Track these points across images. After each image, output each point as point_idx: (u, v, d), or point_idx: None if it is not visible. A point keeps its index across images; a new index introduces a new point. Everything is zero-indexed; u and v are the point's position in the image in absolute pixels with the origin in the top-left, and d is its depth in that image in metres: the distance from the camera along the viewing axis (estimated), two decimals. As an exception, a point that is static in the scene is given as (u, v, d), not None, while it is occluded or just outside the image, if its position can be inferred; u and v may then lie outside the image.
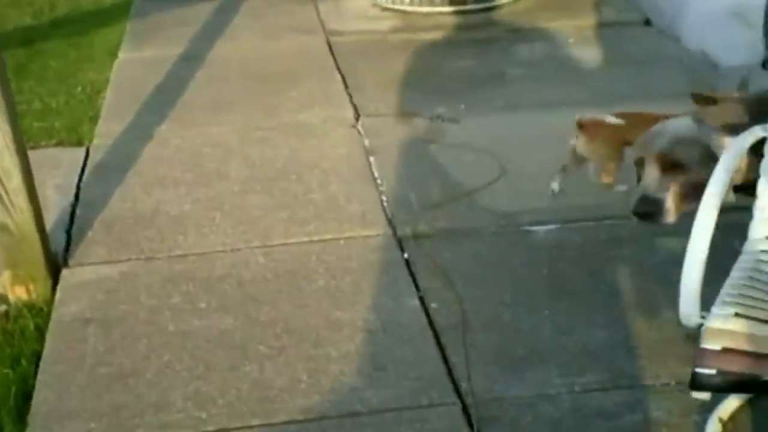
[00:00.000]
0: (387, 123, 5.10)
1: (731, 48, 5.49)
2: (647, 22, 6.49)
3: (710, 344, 2.18)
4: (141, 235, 4.08)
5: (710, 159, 2.76)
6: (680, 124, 2.96)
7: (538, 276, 3.65)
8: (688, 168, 2.89)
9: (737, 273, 2.44)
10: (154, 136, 5.04)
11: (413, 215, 4.13)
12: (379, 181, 4.43)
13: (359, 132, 4.98)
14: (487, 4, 6.81)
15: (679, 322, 3.23)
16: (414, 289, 3.62)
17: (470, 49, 6.21)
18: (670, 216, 2.94)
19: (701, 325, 2.27)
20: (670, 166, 2.90)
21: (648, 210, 2.92)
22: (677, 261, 3.68)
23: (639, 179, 3.06)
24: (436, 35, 6.46)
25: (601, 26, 6.48)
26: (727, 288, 2.36)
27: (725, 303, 2.28)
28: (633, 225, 3.87)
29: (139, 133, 5.08)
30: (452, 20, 6.71)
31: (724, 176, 2.48)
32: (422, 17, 6.75)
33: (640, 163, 2.96)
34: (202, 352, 3.31)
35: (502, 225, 4.04)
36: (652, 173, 2.94)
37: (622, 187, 3.79)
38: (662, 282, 3.49)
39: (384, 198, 4.28)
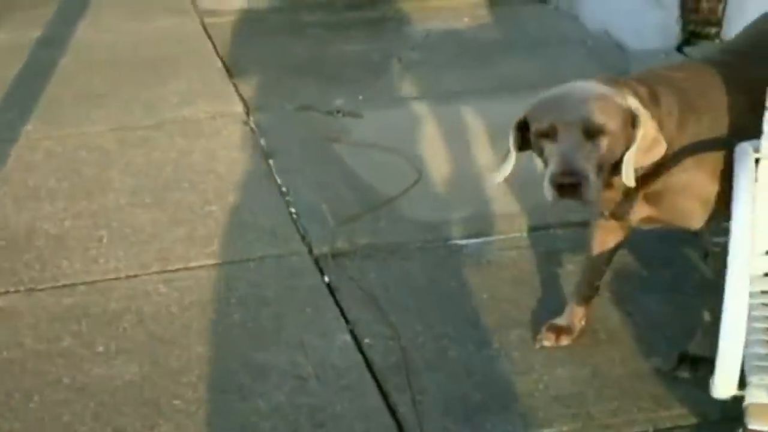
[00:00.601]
0: (282, 118, 4.64)
1: (639, 30, 5.21)
2: (543, 0, 6.17)
3: (758, 425, 1.84)
4: (17, 260, 3.54)
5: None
6: (590, 86, 2.59)
7: (480, 302, 3.27)
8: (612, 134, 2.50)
9: (758, 327, 2.12)
10: (20, 137, 4.46)
11: (329, 230, 3.70)
12: (284, 189, 3.99)
13: (252, 129, 4.51)
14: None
15: (647, 355, 2.98)
16: (343, 321, 3.20)
17: (360, 31, 5.80)
18: (594, 192, 2.51)
19: (736, 397, 1.93)
20: (595, 131, 2.48)
21: (571, 182, 2.48)
22: (631, 275, 3.45)
23: (542, 152, 2.64)
24: (321, 15, 6.00)
25: (497, 3, 6.13)
26: (756, 348, 2.02)
27: (762, 370, 1.94)
28: (573, 234, 3.58)
29: (1, 134, 4.48)
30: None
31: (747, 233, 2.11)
32: (304, -6, 6.28)
33: (546, 134, 2.53)
34: (107, 410, 2.83)
35: (429, 240, 3.65)
36: (571, 140, 2.51)
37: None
38: (620, 304, 3.18)
39: (292, 210, 3.84)
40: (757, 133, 2.35)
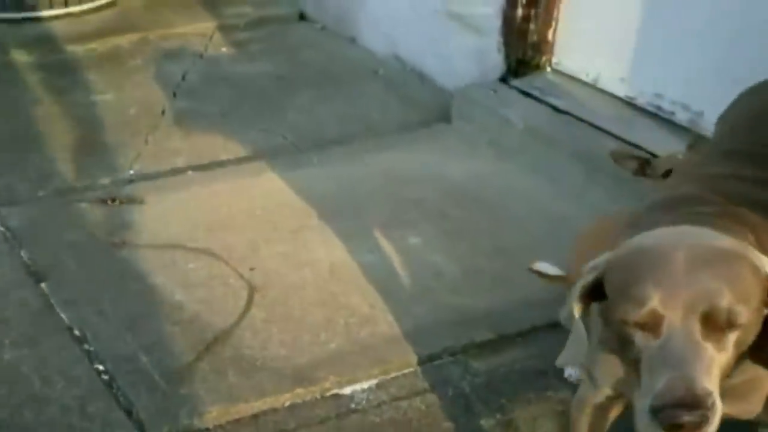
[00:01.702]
0: (39, 214, 3.46)
1: (448, 58, 4.42)
2: (302, 17, 5.24)
3: None
4: None
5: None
6: (702, 234, 1.77)
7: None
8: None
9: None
10: None
11: (162, 396, 2.64)
12: (77, 332, 2.86)
13: (4, 235, 3.31)
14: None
15: None
16: None
17: (98, 73, 4.60)
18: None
19: None
20: (726, 324, 1.67)
21: (693, 420, 1.65)
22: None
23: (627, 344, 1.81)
24: (38, 54, 4.74)
25: (250, 26, 5.13)
26: None
27: None
28: (486, 365, 2.76)
29: None
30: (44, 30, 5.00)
31: None
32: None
33: (643, 324, 1.71)
34: None
35: (300, 392, 2.68)
36: (687, 340, 1.68)
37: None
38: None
39: (100, 367, 2.74)
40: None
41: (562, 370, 2.74)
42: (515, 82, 4.10)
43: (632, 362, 1.73)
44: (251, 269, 3.17)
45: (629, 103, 3.84)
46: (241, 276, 3.13)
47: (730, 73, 3.45)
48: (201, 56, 4.74)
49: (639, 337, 1.64)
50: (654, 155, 3.41)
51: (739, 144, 2.18)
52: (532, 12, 4.08)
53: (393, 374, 2.77)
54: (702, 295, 1.58)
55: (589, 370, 2.01)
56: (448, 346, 2.86)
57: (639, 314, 1.62)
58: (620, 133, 3.64)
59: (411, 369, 2.79)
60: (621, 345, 1.72)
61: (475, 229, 3.41)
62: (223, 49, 4.85)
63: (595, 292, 1.79)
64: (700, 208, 1.88)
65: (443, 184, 3.69)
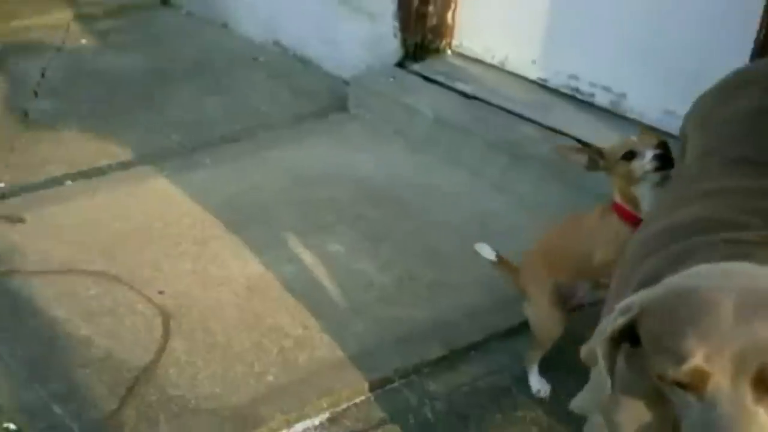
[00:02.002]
0: None
1: (338, 44, 4.11)
2: (165, 2, 4.83)
3: None
4: None
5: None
6: (748, 272, 1.52)
7: None
8: None
9: None
10: None
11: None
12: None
13: None
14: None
15: None
16: None
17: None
18: None
19: None
20: None
21: None
22: None
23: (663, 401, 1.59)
24: None
25: (109, 14, 4.69)
26: None
27: None
28: (445, 386, 2.50)
29: None
30: None
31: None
32: None
33: (686, 383, 1.47)
34: None
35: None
36: (738, 404, 1.45)
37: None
38: None
39: (11, 425, 2.34)
40: None
41: (528, 386, 2.50)
42: (415, 67, 3.82)
43: (665, 416, 1.48)
44: (160, 292, 2.80)
45: (543, 86, 3.62)
46: (150, 301, 2.76)
47: (652, 52, 3.28)
48: (59, 50, 4.28)
49: (678, 396, 1.37)
50: (586, 143, 3.21)
51: (743, 150, 1.91)
52: (430, -6, 3.82)
53: (344, 405, 2.46)
54: (755, 351, 1.31)
55: (608, 416, 1.74)
56: (398, 367, 2.57)
57: (679, 371, 1.34)
58: (539, 119, 3.43)
59: (363, 397, 2.49)
60: (653, 398, 1.46)
61: (398, 231, 3.13)
62: (83, 41, 4.40)
63: (626, 334, 1.51)
64: (736, 234, 1.63)
65: (355, 181, 3.39)
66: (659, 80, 3.27)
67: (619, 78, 3.38)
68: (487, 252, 2.65)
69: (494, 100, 3.55)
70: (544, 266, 2.46)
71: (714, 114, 2.07)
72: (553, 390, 2.49)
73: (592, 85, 3.47)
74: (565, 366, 2.46)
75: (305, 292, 2.83)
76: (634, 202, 2.32)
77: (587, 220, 2.43)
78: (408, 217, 3.20)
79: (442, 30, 3.85)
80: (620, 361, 1.59)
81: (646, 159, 2.27)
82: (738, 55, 2.96)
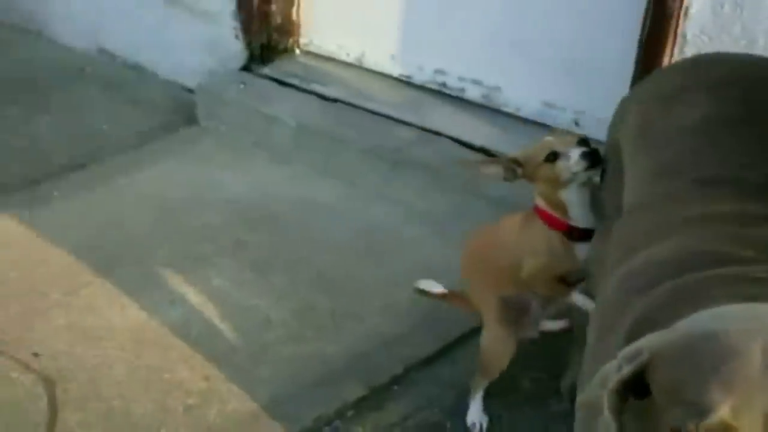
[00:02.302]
0: None
1: (173, 49, 3.81)
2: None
3: None
4: None
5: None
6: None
7: None
8: None
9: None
10: None
11: None
12: None
13: None
14: None
15: None
16: None
17: None
18: None
19: None
20: None
21: None
22: None
23: None
24: None
25: None
26: None
27: None
28: None
29: None
30: None
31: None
32: None
33: None
34: None
35: None
36: None
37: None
38: None
39: None
40: None
41: (463, 421, 2.35)
42: (264, 70, 3.57)
43: None
44: (35, 355, 2.49)
45: (407, 83, 3.44)
46: (27, 366, 2.45)
47: (525, 42, 3.16)
48: None
49: None
50: (469, 144, 3.08)
51: (714, 169, 1.71)
52: (271, -10, 3.57)
53: None
54: None
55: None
56: (320, 414, 2.36)
57: (703, 426, 1.18)
58: (412, 119, 3.25)
59: (288, 452, 2.28)
60: None
61: (283, 256, 2.90)
62: None
63: (630, 384, 1.35)
64: (741, 269, 1.49)
65: (223, 202, 3.13)
66: (535, 71, 3.15)
67: (491, 70, 3.24)
68: (434, 288, 2.46)
69: (359, 102, 3.35)
70: (483, 282, 2.30)
71: (658, 124, 1.90)
72: (492, 422, 2.34)
73: (461, 79, 3.31)
74: (508, 395, 2.33)
75: (198, 337, 2.58)
76: (561, 206, 2.16)
77: (509, 230, 2.27)
78: (290, 238, 2.97)
79: (288, 28, 3.61)
80: (628, 418, 1.44)
81: (573, 159, 2.10)
82: (618, 41, 2.87)
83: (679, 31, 2.66)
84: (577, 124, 3.06)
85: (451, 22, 3.29)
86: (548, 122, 3.10)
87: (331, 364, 2.50)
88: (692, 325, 1.31)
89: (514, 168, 2.18)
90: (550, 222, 2.17)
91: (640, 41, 2.75)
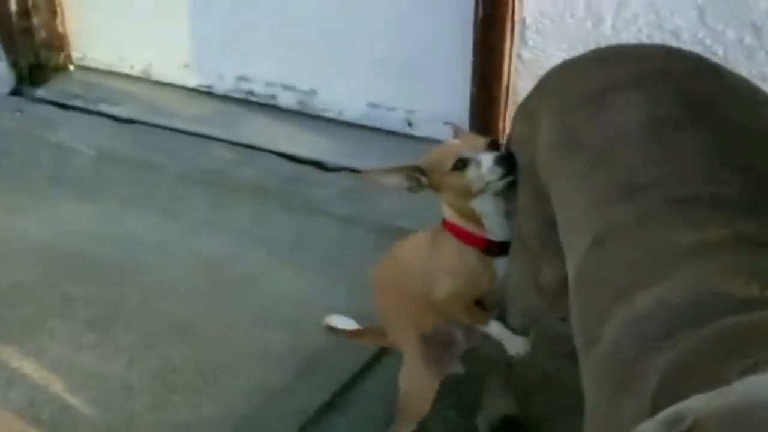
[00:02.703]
0: None
1: None
2: None
3: None
4: None
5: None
6: None
7: None
8: None
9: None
10: None
11: None
12: None
13: None
14: None
15: None
16: None
17: None
18: None
19: None
20: None
21: None
22: None
23: None
24: None
25: None
26: None
27: None
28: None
29: None
30: None
31: None
32: None
33: None
34: None
35: None
36: None
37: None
38: None
39: None
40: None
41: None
42: (39, 93, 3.18)
43: None
44: None
45: (208, 94, 3.16)
46: None
47: (341, 41, 2.98)
48: None
49: None
50: (296, 157, 2.85)
51: (687, 188, 1.56)
52: (29, 2, 3.15)
53: None
54: None
55: None
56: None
57: None
58: (226, 135, 2.99)
59: None
60: None
61: (124, 309, 2.56)
62: None
63: None
64: None
65: (33, 252, 2.75)
66: (355, 70, 2.96)
67: (304, 73, 3.02)
68: (345, 324, 2.19)
69: (159, 121, 3.04)
70: (398, 316, 2.09)
71: (589, 133, 1.69)
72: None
73: (270, 84, 3.08)
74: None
75: (51, 419, 2.23)
76: (474, 218, 1.94)
77: (417, 251, 2.05)
78: (124, 286, 2.64)
79: (55, 42, 3.24)
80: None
81: (486, 166, 1.87)
82: (449, 32, 2.74)
83: (517, 17, 2.56)
84: (410, 124, 2.91)
85: (252, 24, 3.04)
86: (377, 124, 2.94)
87: (213, 430, 2.23)
88: (750, 390, 1.17)
89: (418, 177, 1.96)
90: (464, 237, 1.96)
91: (475, 30, 2.62)
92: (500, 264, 1.95)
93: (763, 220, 1.45)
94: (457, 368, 2.11)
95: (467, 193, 1.91)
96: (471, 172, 1.89)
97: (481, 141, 1.94)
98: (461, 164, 1.90)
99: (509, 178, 1.87)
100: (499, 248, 1.95)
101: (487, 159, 1.88)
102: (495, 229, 1.94)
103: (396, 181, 1.98)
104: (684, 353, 1.29)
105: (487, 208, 1.93)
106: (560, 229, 1.67)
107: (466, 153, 1.90)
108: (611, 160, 1.62)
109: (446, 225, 1.98)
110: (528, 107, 1.84)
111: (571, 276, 1.60)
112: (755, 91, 1.73)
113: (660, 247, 1.48)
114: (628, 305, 1.43)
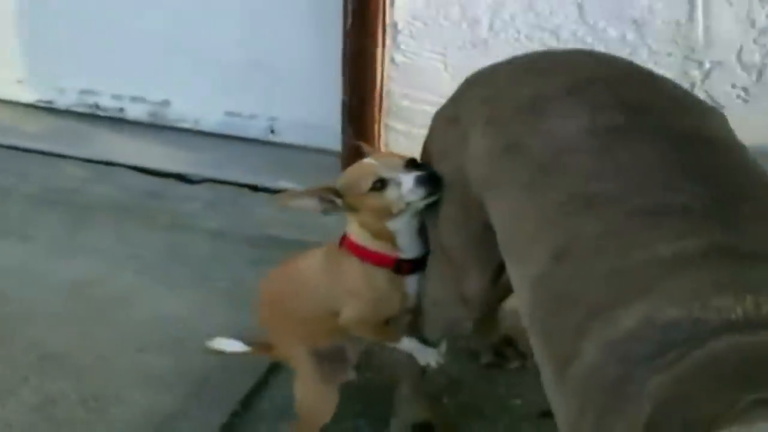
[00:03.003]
0: None
1: None
2: None
3: None
4: None
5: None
6: None
7: None
8: None
9: None
10: None
11: None
12: None
13: None
14: None
15: None
16: None
17: None
18: None
19: None
20: None
21: None
22: None
23: None
24: None
25: None
26: None
27: None
28: None
29: None
30: None
31: None
32: None
33: None
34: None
35: None
36: None
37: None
38: None
39: None
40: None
41: None
42: None
43: None
44: None
45: (48, 109, 2.99)
46: None
47: (191, 50, 2.89)
48: None
49: None
50: (153, 171, 2.74)
51: (645, 198, 1.47)
52: None
53: None
54: None
55: None
56: None
57: None
58: (76, 152, 2.85)
59: None
60: None
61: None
62: None
63: None
64: None
65: None
66: (211, 79, 2.87)
67: (154, 84, 2.91)
68: (232, 347, 2.11)
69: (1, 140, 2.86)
70: (289, 335, 2.03)
71: (532, 144, 1.58)
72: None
73: (117, 97, 2.94)
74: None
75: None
76: (388, 237, 1.89)
77: (311, 273, 1.99)
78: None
79: None
80: None
81: (406, 186, 1.81)
82: (316, 37, 2.69)
83: (388, 21, 2.53)
84: (272, 131, 2.84)
85: (94, 34, 2.90)
86: (238, 133, 2.86)
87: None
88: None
89: (333, 199, 1.90)
90: (371, 258, 1.91)
91: (344, 35, 2.58)
92: (411, 282, 1.92)
93: (738, 230, 1.40)
94: (351, 375, 2.07)
95: (387, 214, 1.86)
96: (390, 193, 1.83)
97: (398, 160, 1.87)
98: (380, 185, 1.83)
99: (433, 198, 1.81)
100: (411, 267, 1.91)
101: (408, 179, 1.81)
102: (408, 247, 1.90)
103: (310, 203, 1.90)
104: (679, 377, 1.24)
105: (402, 227, 1.88)
106: (503, 238, 1.60)
107: (384, 173, 1.84)
108: (560, 170, 1.57)
109: (350, 246, 1.92)
110: (448, 115, 1.79)
111: (526, 289, 1.52)
112: (684, 93, 1.74)
113: (635, 260, 1.42)
114: (610, 323, 1.37)
